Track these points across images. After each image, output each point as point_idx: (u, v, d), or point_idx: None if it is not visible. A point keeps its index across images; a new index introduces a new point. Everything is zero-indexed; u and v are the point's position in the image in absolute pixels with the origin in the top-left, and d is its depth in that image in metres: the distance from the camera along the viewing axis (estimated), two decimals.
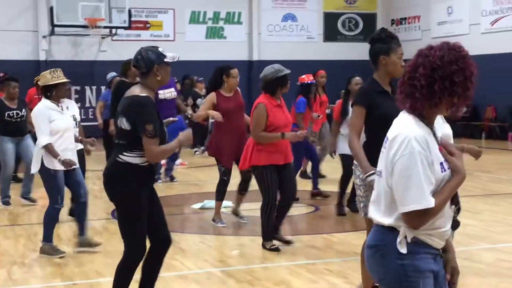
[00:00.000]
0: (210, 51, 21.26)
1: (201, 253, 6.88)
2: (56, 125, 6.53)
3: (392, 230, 2.74)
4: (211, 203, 9.25)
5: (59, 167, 6.53)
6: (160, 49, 4.56)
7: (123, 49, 21.03)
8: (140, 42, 21.42)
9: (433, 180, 2.65)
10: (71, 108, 7.06)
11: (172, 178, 11.59)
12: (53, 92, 6.51)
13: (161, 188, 10.52)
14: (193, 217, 8.84)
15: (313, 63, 20.36)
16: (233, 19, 22.37)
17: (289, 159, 6.83)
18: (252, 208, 9.13)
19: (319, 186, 9.85)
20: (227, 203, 9.30)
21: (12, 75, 17.45)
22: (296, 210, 8.51)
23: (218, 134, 7.89)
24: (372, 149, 4.23)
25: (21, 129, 9.20)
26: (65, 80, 6.54)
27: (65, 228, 8.02)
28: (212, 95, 7.81)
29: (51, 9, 19.40)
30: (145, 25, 21.46)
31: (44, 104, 6.56)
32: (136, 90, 4.46)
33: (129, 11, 19.97)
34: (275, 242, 6.89)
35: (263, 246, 6.88)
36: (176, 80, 13.83)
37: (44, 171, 6.55)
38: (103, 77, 20.75)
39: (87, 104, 20.60)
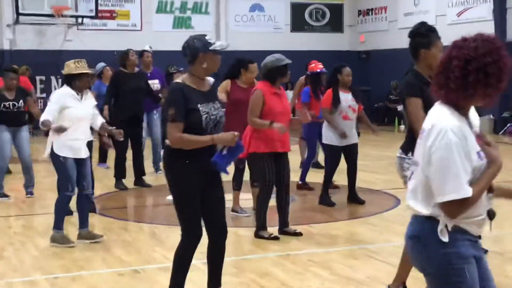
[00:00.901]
0: (177, 41, 20.67)
1: None
2: (72, 112, 6.58)
3: (431, 220, 2.79)
4: None
5: (69, 154, 6.58)
6: (207, 37, 4.55)
7: (89, 39, 20.76)
8: (106, 32, 21.16)
9: (469, 170, 2.70)
10: (89, 98, 6.91)
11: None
12: (75, 82, 6.59)
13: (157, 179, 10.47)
14: (170, 209, 8.72)
15: (280, 53, 20.31)
16: (201, 9, 22.21)
17: (286, 147, 6.84)
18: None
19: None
20: None
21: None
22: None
23: (229, 125, 7.86)
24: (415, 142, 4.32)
25: (17, 119, 9.05)
26: (88, 71, 6.66)
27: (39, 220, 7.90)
28: (227, 82, 7.81)
29: None
30: (112, 15, 21.16)
31: (64, 91, 6.65)
32: (178, 78, 4.61)
33: (96, 0, 19.68)
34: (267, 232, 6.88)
35: (259, 236, 6.84)
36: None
37: (54, 157, 6.62)
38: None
39: None
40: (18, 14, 19.20)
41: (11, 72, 9.22)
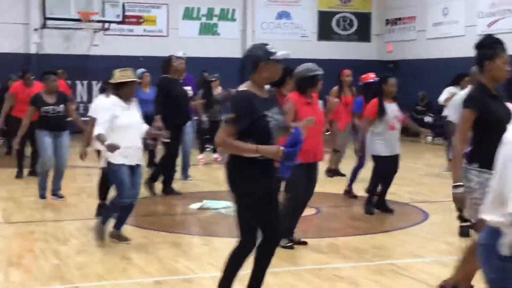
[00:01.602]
0: (203, 48, 21.00)
1: (205, 256, 6.69)
2: (120, 121, 6.66)
3: (498, 231, 2.81)
4: (211, 203, 9.08)
5: (122, 161, 6.67)
6: (269, 47, 4.57)
7: (116, 44, 20.79)
8: (133, 37, 21.17)
9: None
10: (136, 106, 6.99)
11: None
12: (122, 90, 6.69)
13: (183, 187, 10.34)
14: (192, 218, 8.61)
15: (306, 62, 20.17)
16: (227, 16, 22.14)
17: (319, 157, 6.70)
18: None
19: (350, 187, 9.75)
20: (227, 204, 9.11)
21: (3, 68, 17.45)
22: None
23: None
24: (482, 152, 4.60)
25: (58, 125, 9.02)
26: (133, 79, 6.70)
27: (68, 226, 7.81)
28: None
29: (43, 1, 19.07)
30: (138, 20, 21.17)
31: (111, 101, 6.78)
32: (242, 86, 4.61)
33: (123, 6, 19.68)
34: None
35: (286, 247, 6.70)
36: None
37: (109, 165, 6.80)
38: (95, 72, 20.58)
39: (78, 99, 20.27)
40: (45, 18, 19.26)
41: (52, 74, 9.14)
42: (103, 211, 7.12)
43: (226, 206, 9.05)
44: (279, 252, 6.67)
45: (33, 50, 20.07)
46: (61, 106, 8.99)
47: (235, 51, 22.05)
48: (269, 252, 4.87)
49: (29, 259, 6.48)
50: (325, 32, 22.94)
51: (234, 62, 21.78)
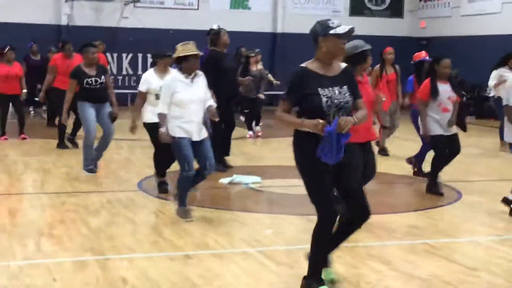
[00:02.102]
0: (234, 22, 20.71)
1: (235, 231, 6.64)
2: (179, 96, 6.70)
3: None
4: (240, 178, 9.02)
5: (183, 135, 6.73)
6: (330, 21, 4.55)
7: (146, 17, 20.70)
8: (163, 10, 21.05)
9: None
10: (201, 80, 6.93)
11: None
12: (184, 64, 6.72)
13: None
14: (222, 193, 8.55)
15: None
16: None
17: (371, 136, 6.51)
18: (284, 185, 8.93)
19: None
20: (256, 179, 9.06)
21: (33, 39, 17.51)
22: None
23: None
24: None
25: (100, 96, 9.02)
26: (195, 52, 6.68)
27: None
28: None
29: None
30: None
31: (172, 76, 6.88)
32: (306, 62, 4.62)
33: None
34: None
35: None
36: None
37: (172, 139, 6.83)
38: (125, 44, 20.57)
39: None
40: None
41: (91, 47, 9.09)
42: (178, 195, 7.04)
43: (256, 181, 9.01)
44: (309, 230, 6.65)
45: (63, 21, 20.07)
46: (102, 77, 8.97)
47: (266, 26, 21.85)
48: (348, 227, 4.83)
49: (60, 230, 6.49)
50: (357, 7, 22.61)
51: (265, 36, 21.62)
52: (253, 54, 13.92)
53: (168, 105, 6.78)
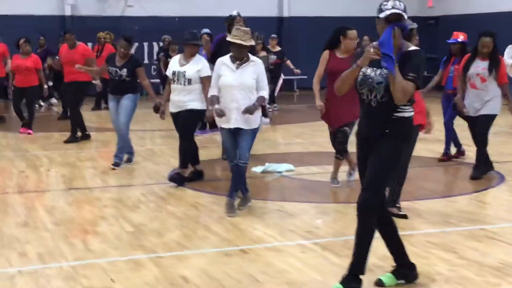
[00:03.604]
0: (239, 7, 20.35)
1: (283, 223, 6.41)
2: (222, 81, 6.61)
3: None
4: (273, 166, 8.81)
5: (221, 124, 6.65)
6: (383, 4, 4.34)
7: (150, 5, 20.37)
8: None
9: None
10: (250, 66, 6.66)
11: None
12: (232, 49, 6.59)
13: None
14: (258, 182, 8.32)
15: (345, 19, 19.62)
16: None
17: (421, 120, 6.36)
18: (319, 172, 8.70)
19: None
20: (289, 167, 8.85)
21: (38, 30, 17.23)
22: None
23: (327, 96, 7.59)
24: None
25: (119, 88, 8.79)
26: (237, 41, 6.45)
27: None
28: (325, 53, 7.62)
29: None
30: None
31: (221, 58, 6.71)
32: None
33: None
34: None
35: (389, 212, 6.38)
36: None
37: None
38: (130, 33, 20.10)
39: None
40: None
41: (123, 40, 8.85)
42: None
43: (289, 169, 8.81)
44: None
45: (68, 11, 19.73)
46: (124, 70, 8.69)
47: (271, 10, 21.54)
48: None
49: (104, 227, 6.27)
50: None
51: (271, 21, 21.31)
52: (259, 41, 13.73)
53: (215, 87, 6.67)
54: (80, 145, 10.97)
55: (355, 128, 7.39)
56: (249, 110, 6.49)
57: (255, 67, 6.63)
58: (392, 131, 4.39)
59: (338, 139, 7.61)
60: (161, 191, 7.72)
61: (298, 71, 16.35)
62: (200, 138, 11.17)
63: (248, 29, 6.67)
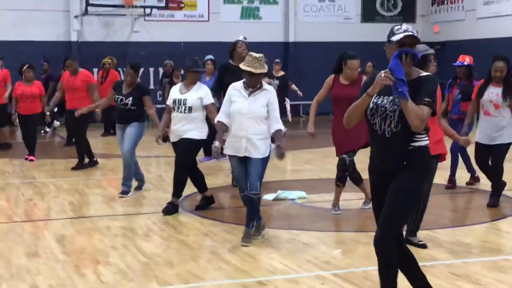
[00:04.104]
0: (245, 32, 20.37)
1: (299, 253, 6.24)
2: (232, 107, 6.44)
3: None
4: (285, 193, 8.66)
5: (231, 152, 6.47)
6: (396, 27, 4.20)
7: (156, 30, 20.37)
8: (173, 23, 20.71)
9: None
10: (261, 96, 6.48)
11: None
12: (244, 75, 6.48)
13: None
14: (270, 210, 8.16)
15: (350, 44, 19.62)
16: None
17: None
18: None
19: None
20: (302, 194, 8.71)
21: (44, 56, 17.21)
22: None
23: (333, 122, 7.57)
24: None
25: (123, 117, 8.65)
26: (250, 70, 6.31)
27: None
28: (330, 78, 7.58)
29: None
30: (179, 5, 20.68)
31: (234, 84, 6.55)
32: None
33: None
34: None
35: (408, 241, 6.13)
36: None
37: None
38: (136, 58, 20.12)
39: None
40: (87, 4, 18.90)
41: (129, 68, 8.70)
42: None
43: (301, 196, 8.66)
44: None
45: (74, 37, 19.71)
46: (130, 98, 8.54)
47: (278, 36, 21.52)
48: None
49: (115, 257, 6.09)
50: (369, 13, 22.32)
51: (277, 46, 21.27)
52: (276, 60, 13.69)
53: (225, 113, 6.48)
54: (88, 172, 10.82)
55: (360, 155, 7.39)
56: (280, 155, 6.33)
57: (267, 96, 6.44)
58: (410, 163, 4.15)
59: (338, 167, 7.54)
60: (172, 220, 7.56)
61: (299, 93, 16.32)
62: (208, 164, 11.05)
63: (260, 55, 6.45)
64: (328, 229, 7.19)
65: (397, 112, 4.13)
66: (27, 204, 8.47)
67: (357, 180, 7.70)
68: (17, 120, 12.28)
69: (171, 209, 7.76)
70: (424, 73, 4.30)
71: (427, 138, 4.24)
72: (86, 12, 19.29)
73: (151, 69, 20.45)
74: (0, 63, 14.08)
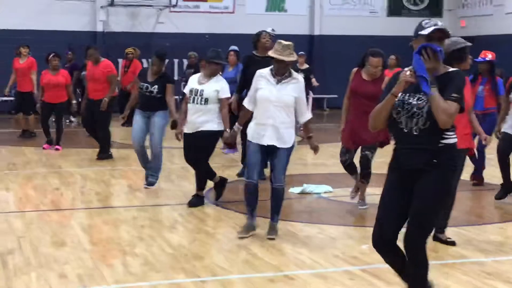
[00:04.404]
0: (270, 25, 20.24)
1: (327, 247, 6.20)
2: (259, 94, 6.31)
3: None
4: (311, 187, 8.61)
5: (254, 139, 6.34)
6: (424, 21, 4.08)
7: (181, 21, 20.36)
8: (198, 14, 20.69)
9: None
10: (292, 84, 6.39)
11: None
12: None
13: None
14: (296, 204, 8.12)
15: (376, 38, 19.48)
16: None
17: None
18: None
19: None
20: (328, 188, 8.66)
21: (69, 45, 17.26)
22: None
23: (349, 115, 7.50)
24: None
25: (149, 104, 8.55)
26: (274, 56, 6.20)
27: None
28: (353, 71, 7.52)
29: None
30: None
31: (261, 70, 6.40)
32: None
33: None
34: None
35: (437, 238, 6.16)
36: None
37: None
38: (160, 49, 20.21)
39: None
40: None
41: (155, 57, 8.66)
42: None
43: (327, 190, 8.61)
44: None
45: (99, 28, 19.77)
46: (155, 86, 8.52)
47: (303, 28, 21.42)
48: (404, 256, 4.30)
49: (142, 248, 6.09)
50: (395, 7, 22.14)
51: (302, 39, 21.17)
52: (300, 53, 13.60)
53: (251, 99, 6.41)
54: (114, 162, 10.85)
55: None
56: (315, 147, 6.39)
57: (296, 85, 6.35)
58: (440, 161, 4.03)
59: (361, 164, 7.48)
60: (198, 211, 7.55)
61: (316, 83, 16.06)
62: (233, 157, 11.02)
63: (290, 43, 6.29)
64: (355, 224, 7.14)
65: (425, 109, 4.02)
66: (54, 193, 8.50)
67: (354, 169, 7.64)
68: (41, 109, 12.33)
69: (196, 201, 7.74)
70: (452, 69, 4.19)
71: (455, 135, 4.15)
72: (112, 3, 19.34)
73: (176, 60, 20.45)
74: (27, 51, 14.13)
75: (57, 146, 12.00)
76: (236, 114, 8.15)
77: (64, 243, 6.20)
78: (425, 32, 4.03)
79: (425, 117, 4.02)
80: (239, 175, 9.22)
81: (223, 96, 7.50)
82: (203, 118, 7.45)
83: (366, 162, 7.42)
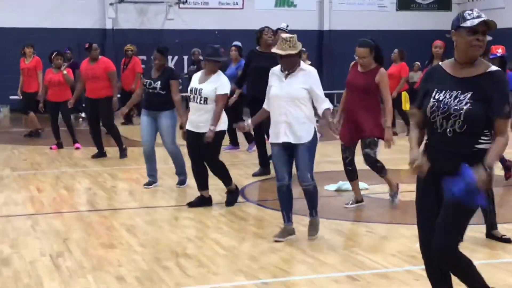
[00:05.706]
0: (279, 20, 20.17)
1: (381, 246, 6.09)
2: (270, 92, 6.18)
3: None
4: (347, 184, 8.46)
5: (272, 139, 6.16)
6: (467, 12, 3.78)
7: (190, 18, 20.24)
8: (208, 10, 20.57)
9: None
10: (299, 77, 6.12)
11: None
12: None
13: None
14: (335, 201, 8.00)
15: (385, 33, 19.39)
16: None
17: None
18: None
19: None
20: (363, 185, 8.53)
21: (79, 43, 17.06)
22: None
23: (343, 107, 7.54)
24: None
25: (154, 102, 8.29)
26: (276, 51, 6.01)
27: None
28: (352, 63, 7.50)
29: None
30: None
31: (273, 69, 6.24)
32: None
33: None
34: None
35: (491, 236, 6.07)
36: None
37: None
38: (170, 46, 19.89)
39: None
40: None
41: (156, 52, 8.52)
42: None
43: (363, 187, 8.47)
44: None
45: (109, 25, 19.63)
46: (158, 82, 8.23)
47: (312, 23, 21.32)
48: (434, 268, 4.10)
49: (193, 249, 5.96)
50: (404, 1, 22.09)
51: (311, 34, 21.06)
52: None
53: (267, 99, 6.26)
54: (138, 161, 10.68)
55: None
56: (332, 126, 6.19)
57: (306, 77, 6.09)
58: (470, 166, 3.64)
59: (367, 163, 7.44)
60: (238, 211, 7.43)
61: None
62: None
63: (290, 36, 6.03)
64: (401, 222, 7.01)
65: (463, 112, 3.73)
66: (87, 193, 8.37)
67: (354, 173, 7.56)
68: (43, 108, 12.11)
69: (231, 198, 7.61)
70: (493, 68, 3.82)
71: (490, 141, 3.80)
72: (121, 0, 19.18)
73: (185, 57, 20.32)
74: (32, 51, 13.90)
75: (76, 145, 11.85)
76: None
77: (113, 245, 6.07)
78: (468, 24, 3.71)
79: (463, 119, 3.74)
80: (256, 175, 9.30)
81: (219, 92, 7.25)
82: (205, 118, 7.25)
83: (370, 159, 7.33)
